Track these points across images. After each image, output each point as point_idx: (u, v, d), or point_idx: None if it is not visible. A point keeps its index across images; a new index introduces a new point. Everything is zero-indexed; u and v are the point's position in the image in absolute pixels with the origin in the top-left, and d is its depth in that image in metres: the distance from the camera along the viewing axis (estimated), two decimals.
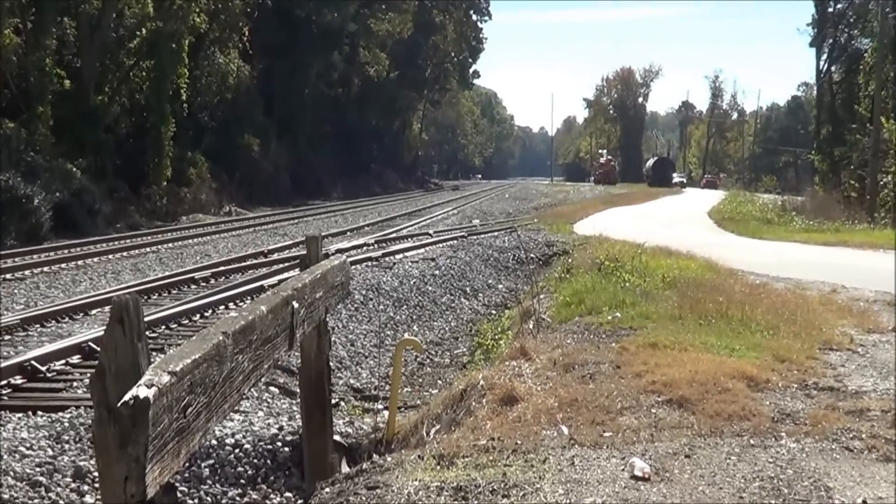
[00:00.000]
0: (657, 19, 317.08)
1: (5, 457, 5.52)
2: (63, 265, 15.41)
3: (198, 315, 10.45)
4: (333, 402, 6.45)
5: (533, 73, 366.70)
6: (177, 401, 2.23)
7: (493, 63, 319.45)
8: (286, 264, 14.84)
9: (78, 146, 24.59)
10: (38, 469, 5.44)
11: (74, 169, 23.47)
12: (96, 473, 4.01)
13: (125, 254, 17.65)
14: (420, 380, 9.19)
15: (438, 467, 4.12)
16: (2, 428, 6.06)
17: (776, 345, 6.49)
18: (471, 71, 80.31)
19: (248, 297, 11.04)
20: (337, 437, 6.13)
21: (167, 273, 14.51)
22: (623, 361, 6.07)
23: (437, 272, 14.83)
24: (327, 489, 4.39)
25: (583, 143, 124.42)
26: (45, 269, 14.88)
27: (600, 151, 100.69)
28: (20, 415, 6.41)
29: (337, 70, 50.66)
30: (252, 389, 6.38)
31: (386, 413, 6.75)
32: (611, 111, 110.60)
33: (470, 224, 26.49)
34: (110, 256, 17.09)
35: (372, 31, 53.47)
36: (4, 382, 7.20)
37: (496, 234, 21.56)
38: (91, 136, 25.46)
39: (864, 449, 4.25)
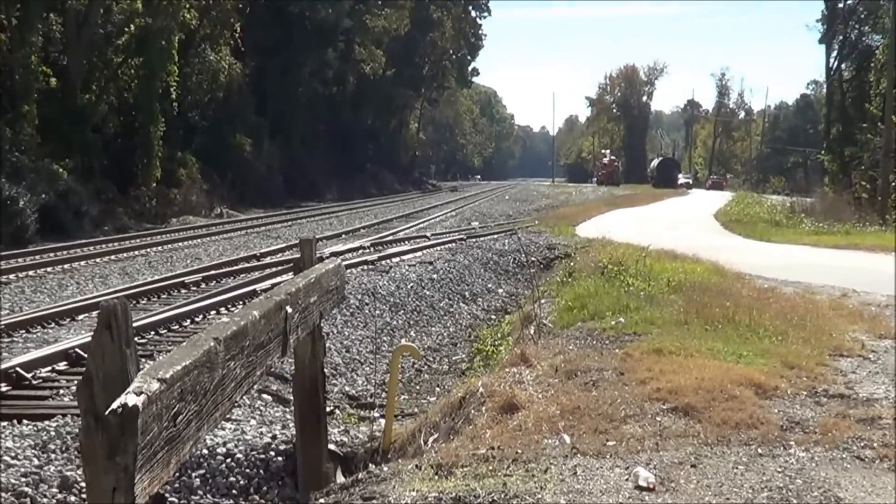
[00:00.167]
0: (661, 16, 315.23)
1: None
2: (49, 269, 15.22)
3: (188, 320, 10.34)
4: (328, 409, 6.39)
5: (533, 70, 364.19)
6: (166, 409, 2.22)
7: (493, 60, 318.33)
8: (279, 268, 14.70)
9: (64, 146, 24.32)
10: (23, 479, 5.34)
11: (61, 170, 23.20)
12: (83, 484, 3.91)
13: (113, 257, 17.48)
14: (417, 387, 9.13)
15: (436, 477, 4.05)
16: None
17: (785, 351, 6.42)
18: (469, 68, 79.69)
19: (241, 302, 10.96)
20: (332, 447, 6.07)
21: (156, 277, 14.38)
22: (627, 368, 6.00)
23: (434, 276, 14.70)
24: (322, 500, 4.34)
25: (585, 142, 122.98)
26: (31, 272, 14.72)
27: (603, 151, 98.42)
28: (5, 423, 6.30)
29: (331, 68, 50.15)
30: (244, 397, 6.27)
31: (382, 421, 6.68)
32: (614, 110, 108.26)
33: (469, 226, 26.34)
34: (98, 260, 16.93)
35: (367, 27, 52.88)
36: None
37: (496, 236, 21.37)
38: (78, 136, 25.17)
39: (875, 458, 4.19)
